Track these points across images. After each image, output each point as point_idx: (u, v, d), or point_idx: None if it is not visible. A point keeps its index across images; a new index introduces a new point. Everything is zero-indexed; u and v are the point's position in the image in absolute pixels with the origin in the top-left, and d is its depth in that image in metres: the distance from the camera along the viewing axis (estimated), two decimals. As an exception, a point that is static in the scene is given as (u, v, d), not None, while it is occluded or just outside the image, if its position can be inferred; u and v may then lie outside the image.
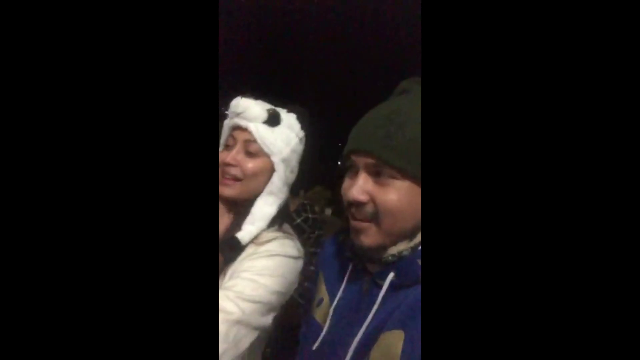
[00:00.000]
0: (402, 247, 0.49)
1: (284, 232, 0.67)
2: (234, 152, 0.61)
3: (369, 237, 0.48)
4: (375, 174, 0.48)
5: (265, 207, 0.62)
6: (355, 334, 0.49)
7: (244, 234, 0.60)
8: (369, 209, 0.48)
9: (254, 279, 0.57)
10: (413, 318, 0.44)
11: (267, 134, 0.61)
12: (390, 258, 0.49)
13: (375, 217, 0.48)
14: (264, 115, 0.61)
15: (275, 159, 0.62)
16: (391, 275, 0.49)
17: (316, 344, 0.55)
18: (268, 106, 0.64)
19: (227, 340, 0.52)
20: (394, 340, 0.44)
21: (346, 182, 0.52)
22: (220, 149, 0.67)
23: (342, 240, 0.61)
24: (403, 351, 0.43)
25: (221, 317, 0.52)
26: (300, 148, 0.67)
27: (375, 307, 0.49)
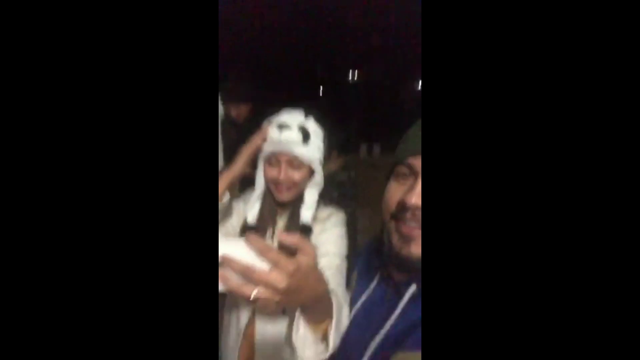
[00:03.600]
0: None
1: (329, 206, 0.91)
2: (283, 171, 0.81)
3: (419, 246, 0.46)
4: None
5: (312, 196, 0.85)
6: (371, 341, 0.48)
7: (307, 218, 0.83)
8: None
9: (335, 240, 0.82)
10: None
11: (304, 151, 0.80)
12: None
13: None
14: (299, 138, 0.78)
15: (314, 165, 0.82)
16: (413, 287, 0.47)
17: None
18: (299, 120, 0.80)
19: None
20: None
21: (394, 187, 0.49)
22: (260, 165, 0.86)
23: (375, 248, 0.61)
24: None
25: (329, 260, 0.76)
26: (323, 144, 0.85)
27: (394, 317, 0.47)
